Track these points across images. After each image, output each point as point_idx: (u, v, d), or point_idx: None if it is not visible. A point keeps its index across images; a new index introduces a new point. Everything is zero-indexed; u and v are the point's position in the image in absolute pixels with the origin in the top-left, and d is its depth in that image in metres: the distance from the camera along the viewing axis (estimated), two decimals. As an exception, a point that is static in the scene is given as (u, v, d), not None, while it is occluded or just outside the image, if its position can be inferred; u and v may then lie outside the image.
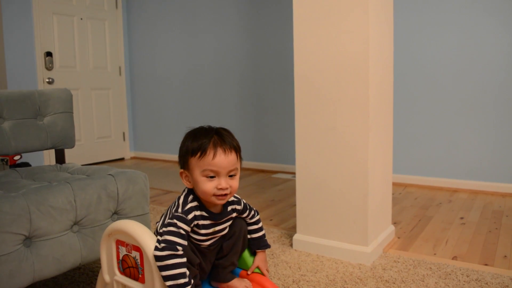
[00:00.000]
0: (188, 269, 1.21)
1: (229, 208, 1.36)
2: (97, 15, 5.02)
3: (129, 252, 1.28)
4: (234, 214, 1.38)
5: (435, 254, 2.19)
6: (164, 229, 1.22)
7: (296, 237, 2.29)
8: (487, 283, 1.83)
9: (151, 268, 1.20)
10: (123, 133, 5.40)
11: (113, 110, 5.26)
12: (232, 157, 1.26)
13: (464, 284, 1.83)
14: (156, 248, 1.18)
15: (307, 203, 2.24)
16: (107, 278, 1.37)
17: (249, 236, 1.44)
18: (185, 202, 1.29)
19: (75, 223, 1.58)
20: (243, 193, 3.53)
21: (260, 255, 1.43)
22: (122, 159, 5.42)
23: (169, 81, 5.15)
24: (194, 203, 1.29)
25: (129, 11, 5.38)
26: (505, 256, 2.14)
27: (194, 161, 1.26)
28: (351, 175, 2.09)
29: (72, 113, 2.20)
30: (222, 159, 1.24)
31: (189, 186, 1.30)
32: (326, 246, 2.18)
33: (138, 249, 1.24)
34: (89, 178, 1.70)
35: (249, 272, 1.41)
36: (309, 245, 2.23)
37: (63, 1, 4.65)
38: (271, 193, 3.52)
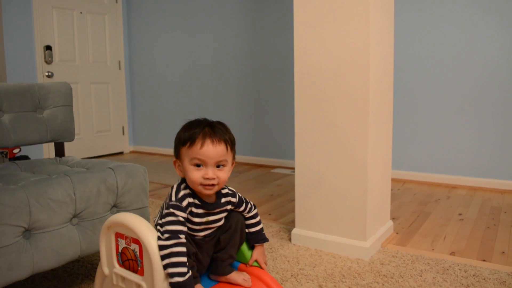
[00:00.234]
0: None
1: (223, 200, 1.37)
2: (97, 9, 5.00)
3: (128, 245, 1.28)
4: (229, 207, 1.39)
5: (433, 249, 2.19)
6: (163, 220, 1.24)
7: (294, 231, 2.29)
8: (484, 279, 1.84)
9: (150, 261, 1.20)
10: (123, 127, 5.40)
11: (113, 104, 5.25)
12: (220, 148, 1.27)
13: (461, 280, 1.84)
14: (159, 238, 1.21)
15: (306, 198, 2.25)
16: (106, 270, 1.37)
17: (247, 230, 1.45)
18: (178, 190, 1.31)
19: (75, 216, 1.58)
20: (242, 187, 3.54)
21: (258, 249, 1.44)
22: (121, 153, 5.43)
23: (168, 75, 5.14)
24: (187, 191, 1.31)
25: (129, 5, 5.37)
26: (503, 252, 2.15)
27: (184, 150, 1.29)
28: (351, 170, 2.09)
29: (72, 106, 2.20)
30: (210, 149, 1.26)
31: (181, 175, 1.33)
32: (324, 241, 2.18)
33: (137, 241, 1.24)
34: (89, 171, 1.70)
35: (247, 266, 1.42)
36: (308, 240, 2.24)
37: (63, -5, 4.64)
38: (270, 188, 3.52)
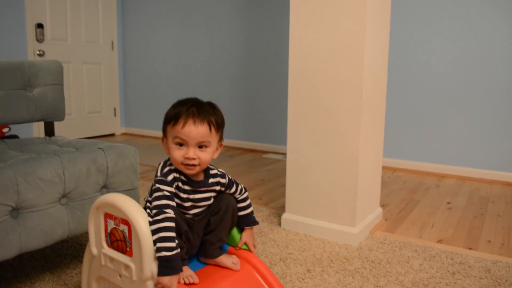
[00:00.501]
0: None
1: (211, 180, 1.37)
2: (90, -13, 4.92)
3: (117, 226, 1.28)
4: (218, 187, 1.39)
5: (421, 237, 2.22)
6: (151, 197, 1.26)
7: (284, 216, 2.30)
8: (470, 266, 1.87)
9: (139, 242, 1.20)
10: (114, 109, 5.36)
11: (105, 85, 5.20)
12: (202, 129, 1.27)
13: (448, 267, 1.86)
14: (149, 215, 1.22)
15: (297, 183, 2.25)
16: (94, 251, 1.37)
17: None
18: (164, 166, 1.33)
19: (63, 196, 1.57)
20: (234, 172, 3.54)
21: (247, 231, 1.44)
22: (112, 134, 5.39)
23: (162, 57, 5.09)
24: (173, 166, 1.32)
25: (123, -15, 5.28)
26: (489, 240, 2.17)
27: (169, 128, 1.30)
28: (342, 156, 2.09)
29: (62, 85, 2.17)
30: (191, 129, 1.26)
31: (168, 153, 1.34)
32: (314, 226, 2.19)
33: (126, 222, 1.24)
34: (79, 151, 1.69)
35: (237, 248, 1.43)
36: (297, 225, 2.25)
37: (55, -28, 4.55)
38: (261, 173, 3.53)
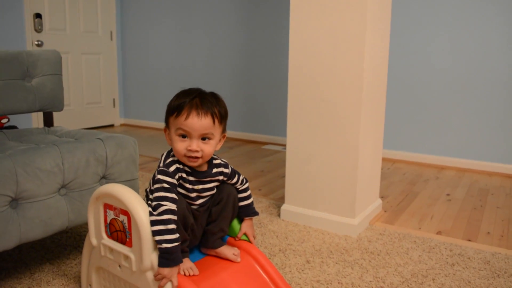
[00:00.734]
0: (179, 232, 1.22)
1: (215, 170, 1.36)
2: (88, -24, 4.88)
3: (117, 216, 1.27)
4: (221, 177, 1.38)
5: (420, 228, 2.22)
6: (153, 187, 1.25)
7: (284, 207, 2.30)
8: (469, 258, 1.87)
9: (138, 232, 1.19)
10: (113, 100, 5.34)
11: (104, 76, 5.17)
12: (206, 121, 1.25)
13: (447, 258, 1.87)
14: (149, 205, 1.22)
15: (297, 174, 2.25)
16: (94, 241, 1.37)
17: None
18: (167, 157, 1.32)
19: (63, 186, 1.56)
20: (233, 163, 3.53)
21: (247, 222, 1.44)
22: (111, 125, 5.38)
23: (161, 47, 5.06)
24: (176, 158, 1.31)
25: (122, -26, 5.24)
26: (488, 232, 2.18)
27: (172, 120, 1.28)
28: (342, 148, 2.09)
29: (61, 75, 2.16)
30: (195, 121, 1.24)
31: (170, 144, 1.33)
32: (313, 217, 2.20)
33: (126, 213, 1.24)
34: (78, 141, 1.68)
35: (236, 238, 1.42)
36: (297, 216, 2.25)
37: (53, -39, 4.50)
38: (261, 164, 3.52)
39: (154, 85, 5.18)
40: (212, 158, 1.37)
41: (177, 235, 1.19)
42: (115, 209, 1.27)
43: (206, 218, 1.38)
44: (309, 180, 2.21)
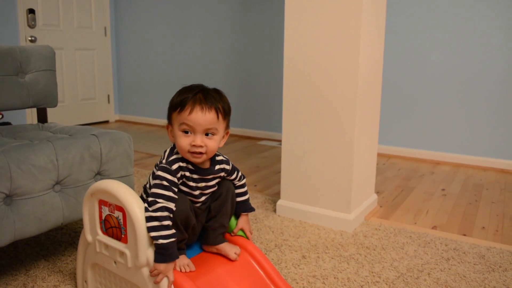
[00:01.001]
0: (178, 230, 1.21)
1: (217, 167, 1.35)
2: (82, -29, 4.84)
3: (112, 212, 1.27)
4: (223, 174, 1.38)
5: (415, 223, 2.23)
6: (152, 182, 1.24)
7: (279, 203, 2.30)
8: (464, 253, 1.88)
9: (134, 228, 1.19)
10: (108, 96, 5.31)
11: (98, 72, 5.14)
12: (210, 116, 1.24)
13: (442, 253, 1.87)
14: (146, 201, 1.20)
15: (292, 170, 2.25)
16: (89, 238, 1.36)
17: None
18: (171, 154, 1.30)
19: (57, 183, 1.55)
20: (229, 158, 3.52)
21: (243, 218, 1.44)
22: (106, 121, 5.36)
23: (156, 43, 5.04)
24: (179, 155, 1.29)
25: (116, -31, 5.20)
26: (483, 227, 2.19)
27: (175, 115, 1.27)
28: (337, 143, 2.09)
29: (55, 71, 2.14)
30: (199, 116, 1.23)
31: (172, 141, 1.31)
32: (309, 213, 2.20)
33: (121, 209, 1.23)
34: (72, 137, 1.67)
35: (232, 234, 1.42)
36: (293, 211, 2.25)
37: (46, -45, 4.46)
38: (256, 160, 3.52)
39: (149, 81, 5.16)
40: (215, 155, 1.35)
41: (172, 231, 1.18)
42: (110, 205, 1.27)
43: (205, 215, 1.37)
44: (304, 175, 2.21)
